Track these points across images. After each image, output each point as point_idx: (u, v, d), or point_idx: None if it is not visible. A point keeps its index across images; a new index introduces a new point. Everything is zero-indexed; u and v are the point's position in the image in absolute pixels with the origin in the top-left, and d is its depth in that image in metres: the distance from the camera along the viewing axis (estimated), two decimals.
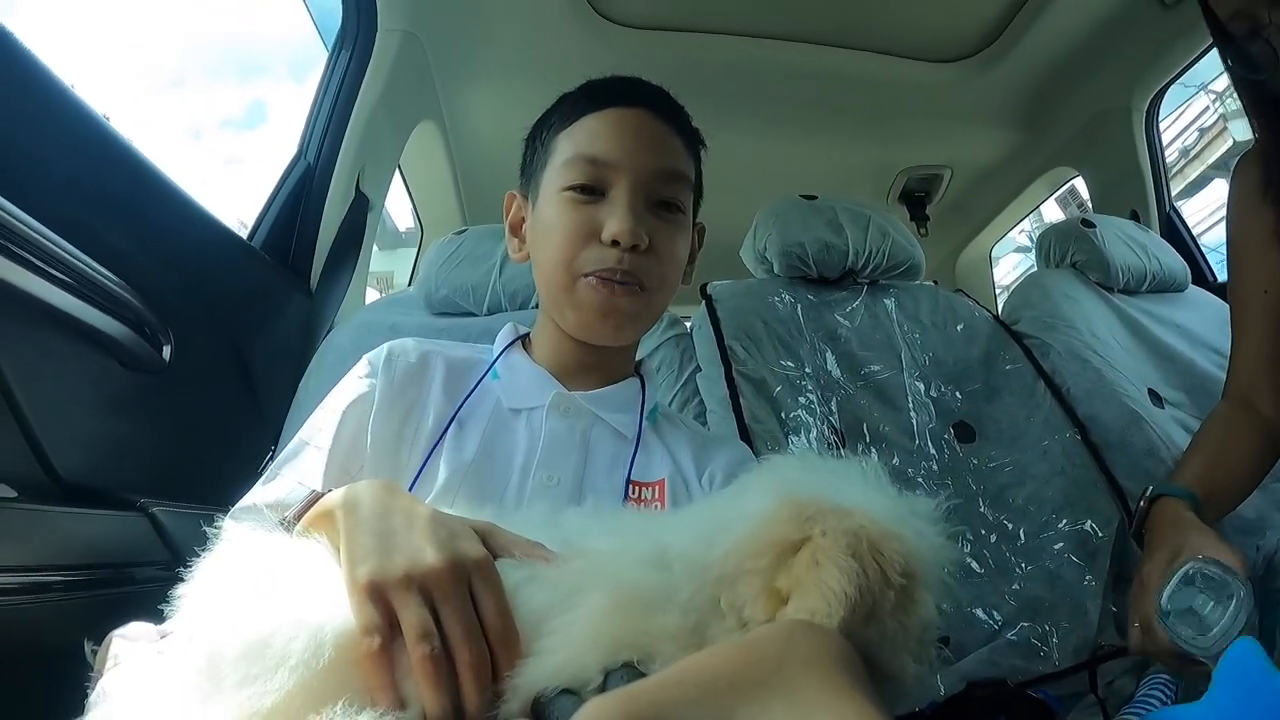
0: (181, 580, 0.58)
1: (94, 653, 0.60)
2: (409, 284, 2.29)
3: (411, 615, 0.54)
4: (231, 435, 0.93)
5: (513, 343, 0.97)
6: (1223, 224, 1.22)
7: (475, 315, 1.39)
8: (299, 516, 0.66)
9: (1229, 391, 1.15)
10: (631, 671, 0.51)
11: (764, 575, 0.54)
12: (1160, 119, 2.06)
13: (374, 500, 0.62)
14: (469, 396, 0.90)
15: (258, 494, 0.82)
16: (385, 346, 0.93)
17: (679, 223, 0.92)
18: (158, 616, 0.59)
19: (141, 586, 0.92)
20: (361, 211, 1.67)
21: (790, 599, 0.52)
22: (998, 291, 2.91)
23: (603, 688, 0.50)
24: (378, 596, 0.54)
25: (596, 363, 0.94)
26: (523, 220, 0.97)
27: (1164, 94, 2.02)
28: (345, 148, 1.57)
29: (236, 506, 0.81)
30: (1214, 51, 1.18)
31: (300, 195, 1.54)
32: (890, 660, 0.54)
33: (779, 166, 2.30)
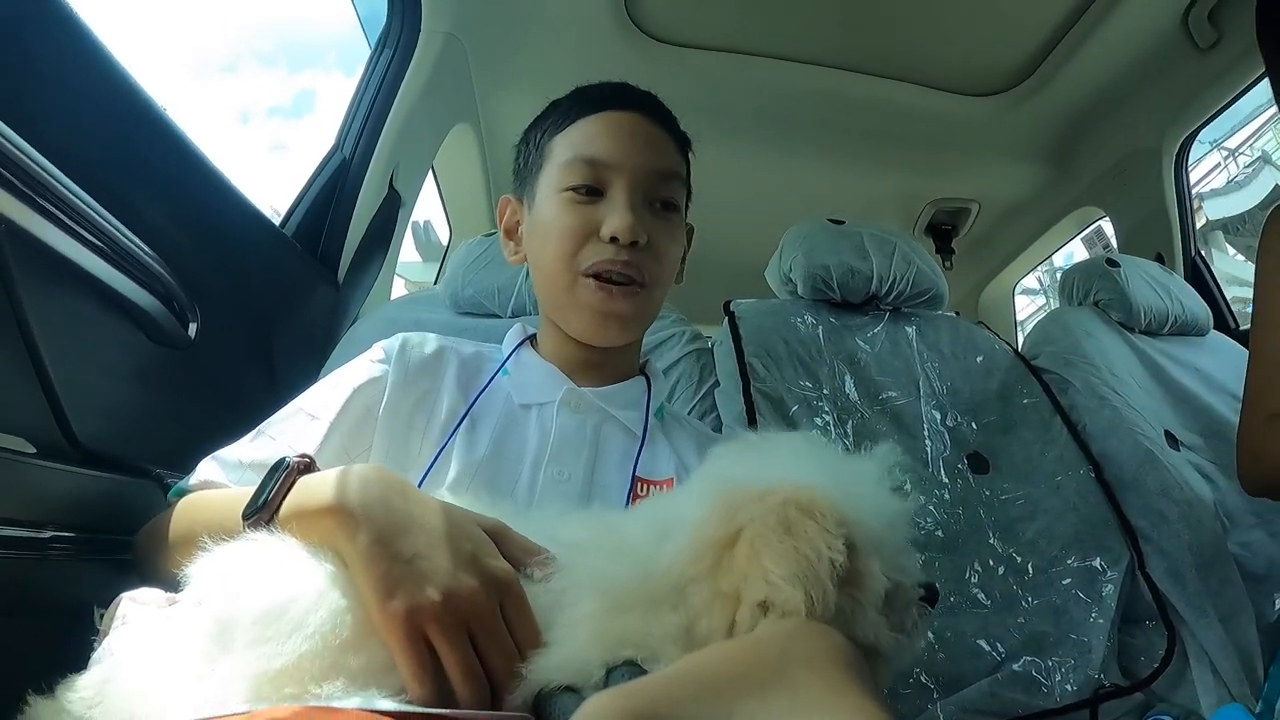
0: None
1: (101, 616, 0.60)
2: (434, 283, 2.31)
3: (456, 654, 0.53)
4: (250, 418, 0.93)
5: (522, 342, 0.99)
6: None
7: (499, 317, 1.41)
8: (283, 492, 0.63)
9: (1273, 410, 1.12)
10: (633, 669, 0.51)
11: (709, 580, 0.54)
12: (1190, 164, 2.06)
13: (385, 508, 0.59)
14: (481, 393, 0.91)
15: (241, 449, 0.81)
16: (400, 336, 0.95)
17: (675, 221, 0.95)
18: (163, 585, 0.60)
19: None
20: (393, 208, 1.68)
21: (741, 597, 0.52)
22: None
23: (604, 684, 0.50)
24: (416, 634, 0.53)
25: (602, 361, 0.96)
26: (518, 224, 1.00)
27: (1195, 138, 2.02)
28: (381, 144, 1.59)
29: (213, 455, 0.80)
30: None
31: (334, 188, 1.55)
32: (861, 632, 0.54)
33: (808, 191, 2.32)
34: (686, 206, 1.01)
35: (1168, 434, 1.42)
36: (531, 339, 1.01)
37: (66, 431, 0.84)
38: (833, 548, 0.52)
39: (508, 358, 0.96)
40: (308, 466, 0.66)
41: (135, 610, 0.58)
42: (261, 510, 0.61)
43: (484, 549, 0.59)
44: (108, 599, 0.61)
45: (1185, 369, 1.57)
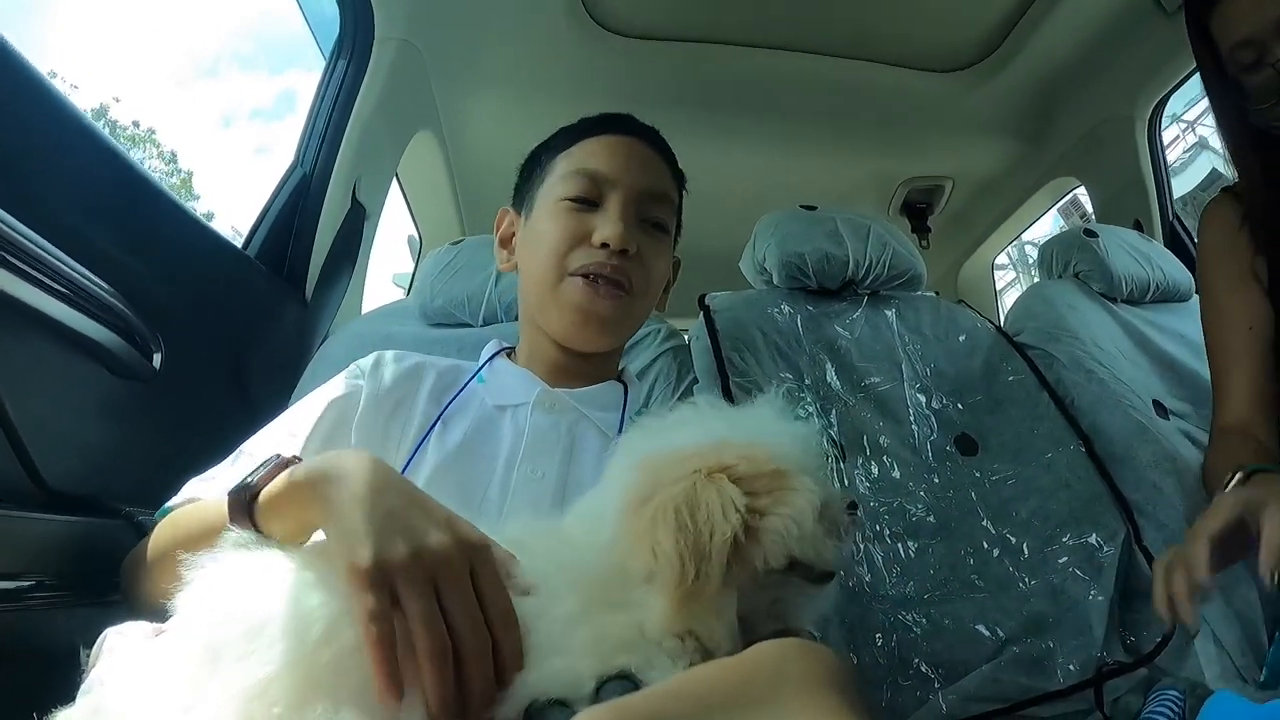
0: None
1: (88, 655, 0.60)
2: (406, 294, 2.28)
3: (418, 604, 0.53)
4: (223, 443, 0.92)
5: (498, 353, 1.02)
6: None
7: (470, 326, 1.38)
8: (270, 477, 0.64)
9: (1221, 424, 1.16)
10: (625, 682, 0.51)
11: (625, 539, 0.57)
12: (1163, 128, 2.04)
13: (364, 474, 0.60)
14: (455, 397, 0.93)
15: (223, 469, 0.83)
16: (373, 355, 0.97)
17: (663, 241, 1.01)
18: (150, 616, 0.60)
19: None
20: (358, 221, 1.66)
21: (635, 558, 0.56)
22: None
23: (595, 697, 0.51)
24: (381, 581, 0.53)
25: (579, 368, 0.99)
26: (513, 235, 1.04)
27: (1166, 103, 2.00)
28: (342, 157, 1.56)
29: (197, 478, 0.82)
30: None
31: (296, 204, 1.53)
32: (804, 548, 0.57)
33: (778, 178, 2.29)
34: (676, 239, 1.08)
35: (1156, 403, 1.41)
36: (509, 351, 1.04)
37: (34, 475, 0.84)
38: (729, 519, 0.54)
39: (482, 365, 0.99)
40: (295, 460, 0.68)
41: (121, 642, 0.58)
42: (246, 490, 0.63)
43: (455, 516, 0.60)
44: (90, 642, 0.61)
45: (1169, 336, 1.56)
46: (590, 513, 0.64)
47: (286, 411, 0.92)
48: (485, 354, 1.03)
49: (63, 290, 0.83)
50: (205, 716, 0.49)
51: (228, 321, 1.29)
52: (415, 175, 2.08)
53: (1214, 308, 1.20)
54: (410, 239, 2.35)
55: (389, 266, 2.31)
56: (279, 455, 0.67)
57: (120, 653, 0.57)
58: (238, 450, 0.86)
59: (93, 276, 0.88)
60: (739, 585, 0.57)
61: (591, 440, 0.94)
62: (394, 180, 1.95)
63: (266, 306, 1.44)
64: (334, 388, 0.92)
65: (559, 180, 0.97)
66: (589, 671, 0.52)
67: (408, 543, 0.55)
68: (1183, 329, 1.57)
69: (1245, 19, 1.08)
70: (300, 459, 0.67)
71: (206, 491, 0.80)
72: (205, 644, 0.52)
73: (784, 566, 0.57)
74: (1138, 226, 1.91)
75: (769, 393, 0.69)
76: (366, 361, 0.96)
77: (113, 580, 0.88)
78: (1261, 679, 1.07)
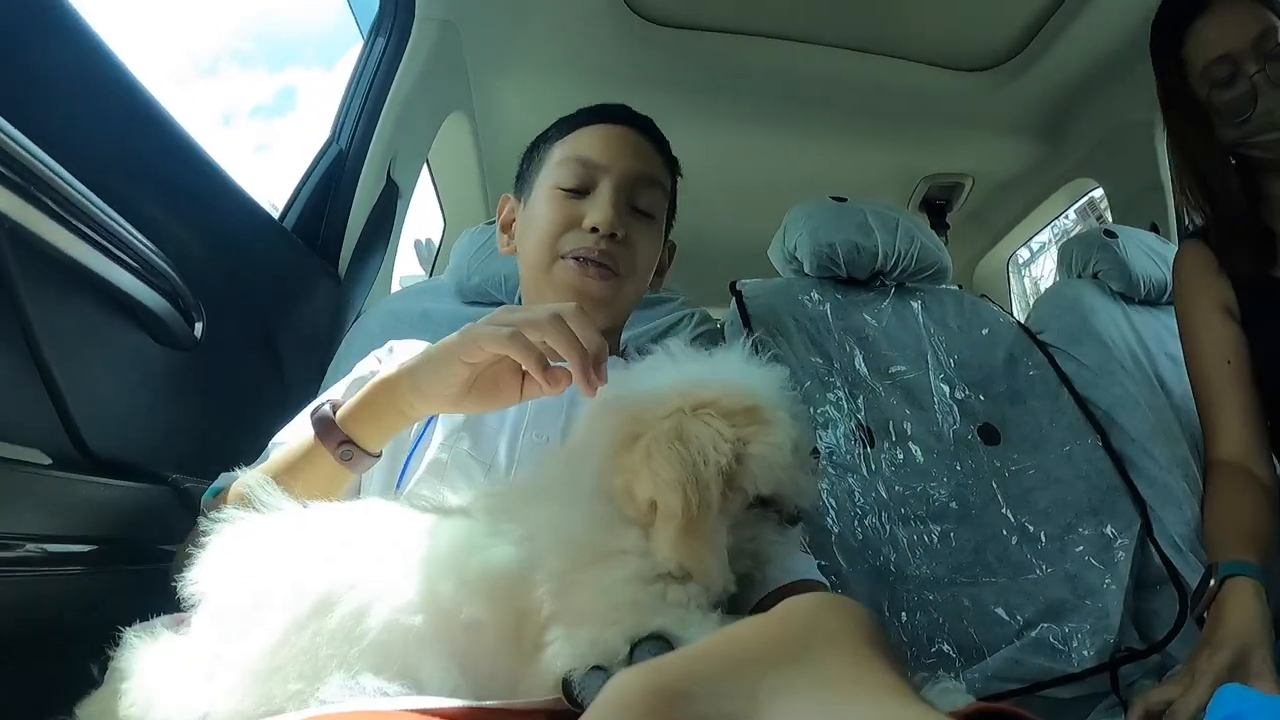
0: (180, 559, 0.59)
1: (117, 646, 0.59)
2: (429, 274, 2.29)
3: (525, 315, 0.67)
4: (259, 416, 0.93)
5: None
6: None
7: (505, 304, 1.40)
8: (337, 404, 0.76)
9: (1215, 458, 1.17)
10: (659, 643, 0.52)
11: (611, 474, 0.60)
12: None
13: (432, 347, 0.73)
14: None
15: (283, 435, 0.88)
16: (389, 344, 1.03)
17: (653, 227, 1.04)
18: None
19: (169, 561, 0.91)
20: (392, 199, 1.66)
21: (634, 493, 0.58)
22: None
23: (629, 660, 0.51)
24: (497, 325, 0.68)
25: None
26: (513, 220, 1.08)
27: None
28: (378, 134, 1.57)
29: (226, 473, 0.81)
30: None
31: (331, 180, 1.55)
32: (784, 477, 0.60)
33: (805, 170, 2.31)
34: (669, 226, 1.11)
35: (1172, 405, 1.44)
36: None
37: (78, 441, 0.83)
38: (719, 448, 0.58)
39: None
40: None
41: (143, 633, 0.58)
42: (326, 411, 0.75)
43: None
44: (131, 609, 0.61)
45: None
46: (569, 462, 0.66)
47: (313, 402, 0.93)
48: None
49: (113, 250, 0.82)
50: (222, 690, 0.51)
51: (265, 294, 1.31)
52: (444, 156, 2.09)
53: (1192, 343, 1.23)
54: (417, 243, 2.32)
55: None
56: (326, 400, 0.78)
57: (141, 643, 0.57)
58: (271, 443, 0.89)
59: (143, 238, 0.87)
60: (728, 517, 0.60)
61: (589, 402, 0.97)
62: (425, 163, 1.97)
63: (302, 281, 1.45)
64: (357, 371, 0.97)
65: (553, 168, 1.01)
66: (620, 635, 0.53)
67: (497, 325, 0.68)
68: None
69: (1224, 36, 1.12)
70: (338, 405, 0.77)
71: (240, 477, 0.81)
72: (216, 609, 0.55)
73: (769, 494, 0.61)
74: (1154, 229, 1.94)
75: (737, 345, 0.71)
76: (384, 349, 1.02)
77: (159, 547, 0.91)
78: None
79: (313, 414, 0.76)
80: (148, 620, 0.60)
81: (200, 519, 0.60)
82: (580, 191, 0.99)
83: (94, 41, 0.92)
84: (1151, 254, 1.65)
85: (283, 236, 1.41)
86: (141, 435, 0.98)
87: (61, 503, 0.81)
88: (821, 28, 1.90)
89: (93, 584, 0.85)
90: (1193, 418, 1.41)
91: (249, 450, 0.87)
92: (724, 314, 1.50)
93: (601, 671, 0.51)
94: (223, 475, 0.81)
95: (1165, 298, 1.64)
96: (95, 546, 0.85)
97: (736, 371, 0.65)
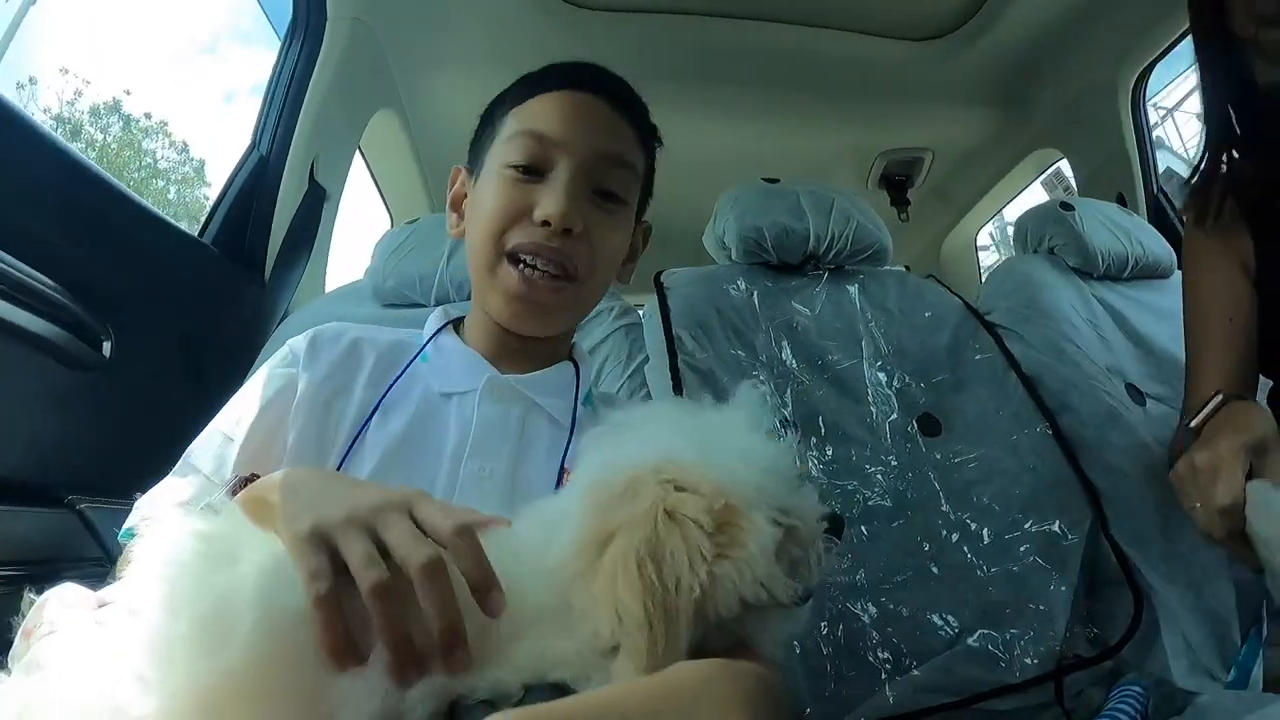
0: (113, 576, 0.58)
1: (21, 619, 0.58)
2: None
3: (356, 547, 0.52)
4: (178, 429, 0.92)
5: (444, 326, 0.94)
6: None
7: (424, 306, 1.34)
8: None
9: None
10: (556, 690, 0.50)
11: (583, 588, 0.53)
12: (1147, 97, 1.98)
13: (306, 475, 0.63)
14: (396, 380, 0.86)
15: (167, 488, 0.80)
16: (309, 334, 0.90)
17: (618, 215, 0.90)
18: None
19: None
20: (317, 201, 1.65)
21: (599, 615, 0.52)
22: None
23: (521, 703, 0.50)
24: (320, 542, 0.53)
25: (527, 348, 0.91)
26: (464, 196, 0.95)
27: (1151, 70, 1.92)
28: (298, 138, 1.55)
29: (145, 496, 0.79)
30: None
31: (254, 187, 1.52)
32: (753, 591, 0.53)
33: (753, 152, 2.24)
34: (645, 203, 0.98)
35: (1130, 387, 1.36)
36: (456, 323, 0.97)
37: None
38: (696, 568, 0.51)
39: (426, 343, 0.92)
40: (247, 481, 0.69)
41: (63, 615, 0.55)
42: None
43: (391, 490, 0.59)
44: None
45: (1149, 315, 1.50)
46: (538, 532, 0.59)
47: (227, 406, 0.86)
48: (429, 327, 0.95)
49: (3, 288, 0.83)
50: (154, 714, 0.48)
51: (182, 307, 1.28)
52: (379, 154, 2.05)
53: (1195, 293, 1.15)
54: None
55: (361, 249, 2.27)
56: (237, 476, 0.71)
57: (62, 631, 0.54)
58: (183, 459, 0.82)
59: (31, 271, 0.88)
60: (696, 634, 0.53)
61: (543, 431, 0.87)
62: (361, 160, 1.92)
63: (223, 290, 1.42)
64: (268, 380, 0.86)
65: (505, 142, 0.87)
66: (518, 680, 0.51)
67: (344, 505, 0.55)
68: (1163, 306, 1.52)
69: None
70: (255, 476, 0.69)
71: (154, 510, 0.77)
72: (154, 631, 0.50)
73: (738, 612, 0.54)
74: (1121, 200, 1.86)
75: (743, 390, 0.63)
76: (300, 343, 0.89)
77: (58, 569, 0.91)
78: (1230, 678, 1.05)
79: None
80: None
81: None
82: (534, 171, 0.84)
83: None
84: (1112, 227, 1.57)
85: (199, 249, 1.39)
86: (51, 457, 1.00)
87: None
88: (761, 3, 1.83)
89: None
90: (1167, 390, 1.35)
91: (166, 465, 0.84)
92: (647, 303, 1.44)
93: (488, 706, 0.49)
94: (136, 509, 0.78)
95: (1128, 273, 1.57)
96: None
97: (728, 443, 0.57)
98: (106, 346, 1.03)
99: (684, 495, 0.53)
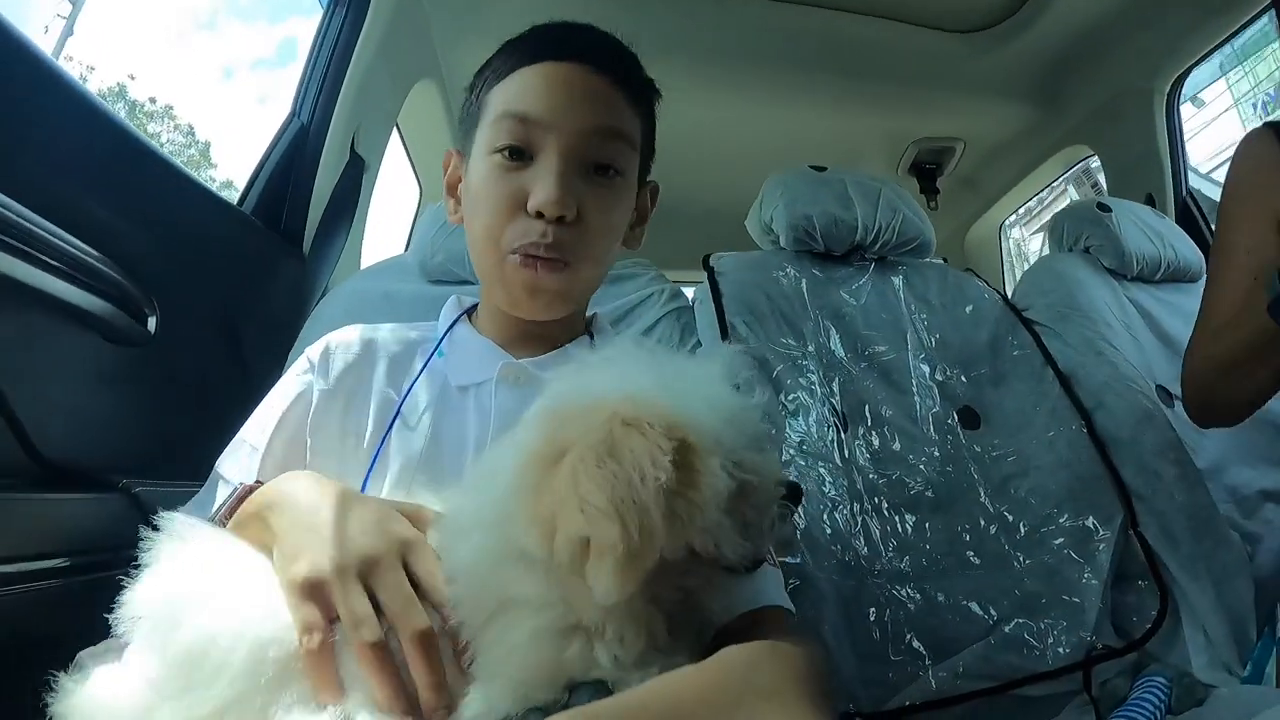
0: None
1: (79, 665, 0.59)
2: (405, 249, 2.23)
3: (348, 605, 0.54)
4: (220, 407, 0.90)
5: (459, 317, 0.93)
6: None
7: (471, 283, 1.35)
8: (228, 515, 0.67)
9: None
10: (600, 688, 0.51)
11: (530, 502, 0.50)
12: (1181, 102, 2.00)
13: (303, 495, 0.63)
14: (414, 382, 0.85)
15: (197, 504, 0.80)
16: (324, 340, 0.88)
17: (616, 188, 0.85)
18: None
19: (129, 569, 0.91)
20: (357, 173, 1.62)
21: (557, 525, 0.49)
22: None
23: (568, 703, 0.50)
24: (314, 592, 0.55)
25: (542, 331, 0.90)
26: (459, 180, 0.91)
27: (1186, 77, 1.95)
28: (340, 108, 1.50)
29: (184, 509, 0.78)
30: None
31: (293, 157, 1.47)
32: (701, 539, 0.51)
33: (787, 134, 2.24)
34: (648, 164, 0.93)
35: (1160, 388, 1.40)
36: (470, 310, 0.95)
37: (30, 450, 0.83)
38: (658, 464, 0.48)
39: (442, 337, 0.90)
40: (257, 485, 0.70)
41: (92, 665, 0.57)
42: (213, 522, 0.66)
43: (389, 517, 0.61)
44: (92, 620, 0.60)
45: (1178, 317, 1.53)
46: (478, 484, 0.58)
47: (253, 415, 0.85)
48: (444, 318, 0.93)
49: (51, 262, 0.80)
50: None
51: (223, 280, 1.26)
52: (415, 126, 2.02)
53: (1225, 248, 1.13)
54: None
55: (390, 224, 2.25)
56: (241, 484, 0.70)
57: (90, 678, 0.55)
58: (214, 472, 0.82)
59: (80, 244, 0.84)
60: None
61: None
62: (397, 134, 1.90)
63: (263, 263, 1.39)
64: (286, 390, 0.84)
65: (490, 124, 0.82)
66: (556, 684, 0.51)
67: (336, 550, 0.56)
68: (1191, 309, 1.53)
69: None
70: (260, 483, 0.69)
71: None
72: (148, 664, 0.53)
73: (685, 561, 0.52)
74: (1150, 201, 1.88)
75: (719, 346, 0.63)
76: (317, 351, 0.87)
77: (119, 555, 0.90)
78: (1245, 674, 1.09)
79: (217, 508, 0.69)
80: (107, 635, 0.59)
81: None
82: (522, 153, 0.80)
83: (13, 38, 0.85)
84: (1146, 229, 1.59)
85: (240, 220, 1.35)
86: (98, 436, 0.97)
87: (15, 521, 0.80)
88: None
89: (51, 599, 0.84)
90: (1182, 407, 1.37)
91: (208, 443, 0.84)
92: (697, 285, 1.44)
93: (539, 713, 0.50)
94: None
95: (1159, 275, 1.59)
96: (49, 563, 0.84)
97: (698, 390, 0.55)
98: (152, 322, 0.99)
99: (640, 416, 0.50)
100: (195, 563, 0.57)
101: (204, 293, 1.18)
